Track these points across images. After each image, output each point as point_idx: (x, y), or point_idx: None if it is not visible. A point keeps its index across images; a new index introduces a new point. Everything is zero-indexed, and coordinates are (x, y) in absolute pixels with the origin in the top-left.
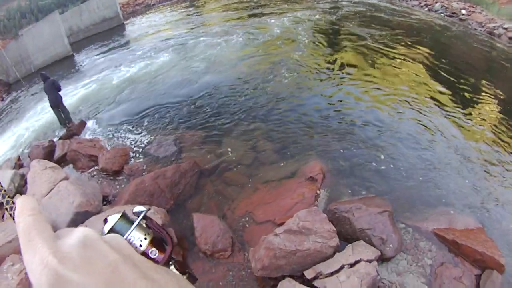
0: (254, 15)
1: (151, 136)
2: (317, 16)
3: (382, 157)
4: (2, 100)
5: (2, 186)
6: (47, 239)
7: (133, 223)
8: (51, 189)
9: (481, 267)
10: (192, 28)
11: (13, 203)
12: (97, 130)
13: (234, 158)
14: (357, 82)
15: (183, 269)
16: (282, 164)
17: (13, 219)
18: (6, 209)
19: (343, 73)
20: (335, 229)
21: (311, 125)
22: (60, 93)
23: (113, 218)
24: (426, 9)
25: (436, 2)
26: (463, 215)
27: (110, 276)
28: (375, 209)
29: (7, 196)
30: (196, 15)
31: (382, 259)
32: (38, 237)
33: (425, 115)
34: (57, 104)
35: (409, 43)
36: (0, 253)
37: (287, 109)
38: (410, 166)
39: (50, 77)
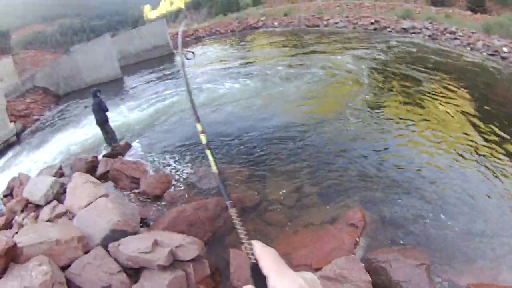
0: (304, 53)
1: (195, 166)
2: (368, 56)
3: (426, 206)
4: (50, 110)
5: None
6: (291, 270)
7: None
8: (90, 203)
9: None
10: (242, 63)
11: None
12: (142, 153)
13: (277, 198)
14: (409, 129)
15: None
16: (324, 208)
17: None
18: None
19: (395, 118)
20: (370, 279)
21: (358, 170)
22: (108, 113)
23: None
24: (468, 48)
25: (478, 41)
26: (502, 271)
27: None
28: (413, 261)
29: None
30: (246, 51)
31: None
32: (285, 267)
33: (475, 164)
34: (101, 123)
35: (456, 85)
36: (29, 251)
37: (335, 152)
38: (454, 216)
39: (100, 95)
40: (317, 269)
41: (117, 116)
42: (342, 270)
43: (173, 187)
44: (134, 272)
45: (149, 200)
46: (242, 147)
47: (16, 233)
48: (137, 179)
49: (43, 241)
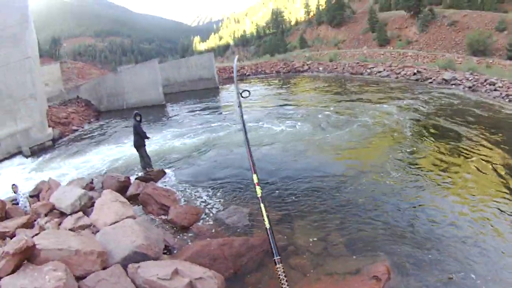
0: (350, 100)
1: (226, 203)
2: (411, 107)
3: (453, 264)
4: (90, 123)
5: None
6: None
7: None
8: (116, 221)
9: None
10: (287, 105)
11: None
12: (175, 182)
13: (304, 243)
14: (446, 185)
15: None
16: (349, 258)
17: None
18: None
19: (432, 173)
20: None
21: (389, 224)
22: (146, 139)
23: None
24: (507, 99)
25: None
26: None
27: None
28: None
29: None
30: (291, 93)
31: None
32: None
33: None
34: (137, 146)
35: (494, 141)
36: (46, 255)
37: (368, 204)
38: (483, 277)
39: (139, 119)
40: None
41: (155, 142)
42: None
43: (201, 220)
44: None
45: (175, 229)
46: (276, 189)
47: (37, 234)
48: (167, 207)
49: (62, 248)
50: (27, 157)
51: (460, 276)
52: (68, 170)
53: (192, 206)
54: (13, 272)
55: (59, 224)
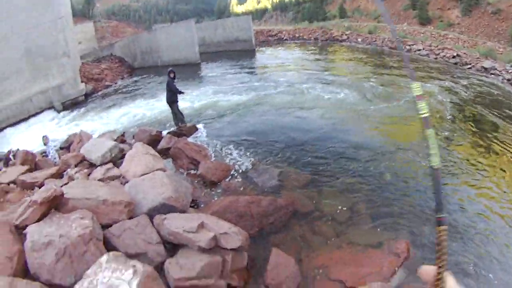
0: (391, 74)
1: (257, 162)
2: (452, 90)
3: (472, 253)
4: (123, 79)
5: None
6: None
7: None
8: (145, 173)
9: None
10: (326, 71)
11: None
12: (207, 138)
13: (330, 210)
14: (480, 175)
15: None
16: (373, 231)
17: None
18: None
19: (468, 161)
20: None
21: (417, 204)
22: (179, 95)
23: None
24: None
25: None
26: None
27: None
28: None
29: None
30: (329, 61)
31: None
32: None
33: None
34: (170, 102)
35: None
36: (74, 203)
37: (399, 181)
38: (496, 270)
39: (173, 76)
40: None
41: (190, 99)
42: None
43: (230, 177)
44: (172, 247)
45: (204, 184)
46: (309, 153)
47: (66, 184)
48: (197, 162)
49: (90, 198)
50: (59, 111)
51: (477, 270)
52: (100, 124)
53: (222, 163)
54: (39, 220)
55: (89, 175)
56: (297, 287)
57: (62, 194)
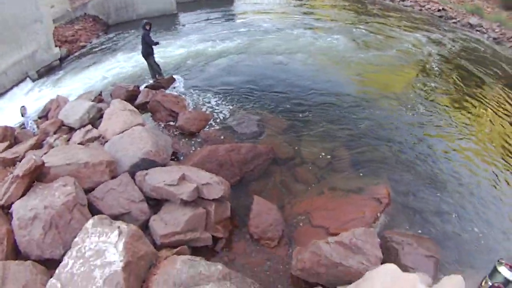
0: (378, 22)
1: (235, 110)
2: (439, 41)
3: (451, 202)
4: (98, 37)
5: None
6: None
7: None
8: (125, 130)
9: None
10: (311, 17)
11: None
12: (185, 89)
13: (310, 156)
14: (463, 128)
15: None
16: (353, 176)
17: None
18: None
19: (450, 113)
20: (382, 256)
21: (397, 151)
22: (155, 47)
23: None
24: None
25: None
26: None
27: None
28: (424, 251)
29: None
30: (309, 7)
31: None
32: None
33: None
34: (145, 56)
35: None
36: (56, 171)
37: (379, 128)
38: (476, 222)
39: (148, 29)
40: (332, 234)
41: (167, 50)
42: (358, 241)
43: (210, 126)
44: (156, 203)
45: (184, 135)
46: (290, 100)
47: (46, 153)
48: (176, 113)
49: (71, 163)
50: (34, 80)
51: (453, 215)
52: (77, 86)
53: (201, 112)
54: (23, 195)
55: (68, 140)
56: (281, 234)
57: (43, 164)
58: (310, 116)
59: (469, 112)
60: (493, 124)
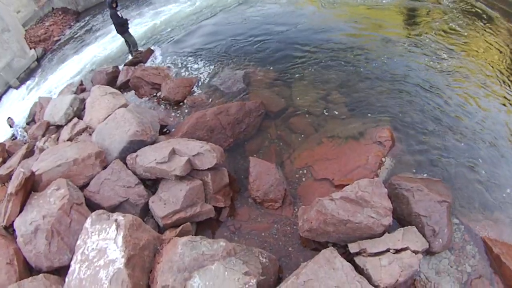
0: None
1: (219, 68)
2: None
3: (458, 141)
4: (70, 27)
5: None
6: None
7: None
8: (109, 115)
9: None
10: None
11: None
12: (165, 58)
13: (303, 104)
14: (462, 64)
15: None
16: (351, 121)
17: None
18: None
19: (444, 52)
20: (391, 207)
21: (395, 89)
22: (129, 21)
23: None
24: None
25: None
26: None
27: None
28: (436, 196)
29: None
30: None
31: (427, 252)
32: None
33: None
34: (120, 33)
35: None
36: (47, 176)
37: (370, 68)
38: (485, 158)
39: (116, 6)
40: (337, 186)
41: (140, 23)
42: (364, 193)
43: (196, 91)
44: (152, 183)
45: (171, 106)
46: (275, 49)
47: (38, 159)
48: (158, 85)
49: (61, 163)
50: (17, 88)
51: (461, 154)
52: (59, 82)
53: (183, 78)
54: (21, 210)
55: (58, 139)
56: (284, 194)
57: (33, 173)
58: (298, 63)
59: (474, 46)
60: (500, 55)
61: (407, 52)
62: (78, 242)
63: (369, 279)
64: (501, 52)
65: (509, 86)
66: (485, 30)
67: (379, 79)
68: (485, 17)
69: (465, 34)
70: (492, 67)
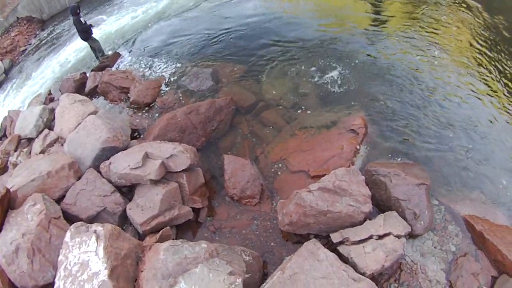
0: None
1: (187, 67)
2: None
3: (433, 125)
4: (36, 36)
5: None
6: None
7: None
8: (79, 124)
9: (499, 269)
10: None
11: None
12: (132, 61)
13: (274, 98)
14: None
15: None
16: (323, 111)
17: None
18: None
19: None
20: (370, 193)
21: (362, 76)
22: (92, 27)
23: None
24: None
25: None
26: (498, 207)
27: None
28: (414, 180)
29: None
30: None
31: (410, 235)
32: None
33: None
34: (84, 39)
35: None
36: (23, 192)
37: (339, 57)
38: (459, 139)
39: (80, 12)
40: (314, 177)
41: (104, 27)
42: (342, 182)
43: (165, 92)
44: (128, 190)
45: (141, 109)
46: (242, 42)
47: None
48: (127, 89)
49: (35, 178)
50: None
51: (434, 135)
52: (28, 93)
53: (151, 80)
54: (0, 230)
55: (30, 152)
56: (261, 189)
57: (8, 191)
58: (268, 57)
59: (451, 35)
60: (464, 34)
61: (379, 41)
62: (60, 257)
63: (354, 267)
64: (477, 41)
65: (483, 72)
66: (462, 22)
67: (349, 69)
68: (465, 6)
69: (443, 21)
70: (468, 56)
